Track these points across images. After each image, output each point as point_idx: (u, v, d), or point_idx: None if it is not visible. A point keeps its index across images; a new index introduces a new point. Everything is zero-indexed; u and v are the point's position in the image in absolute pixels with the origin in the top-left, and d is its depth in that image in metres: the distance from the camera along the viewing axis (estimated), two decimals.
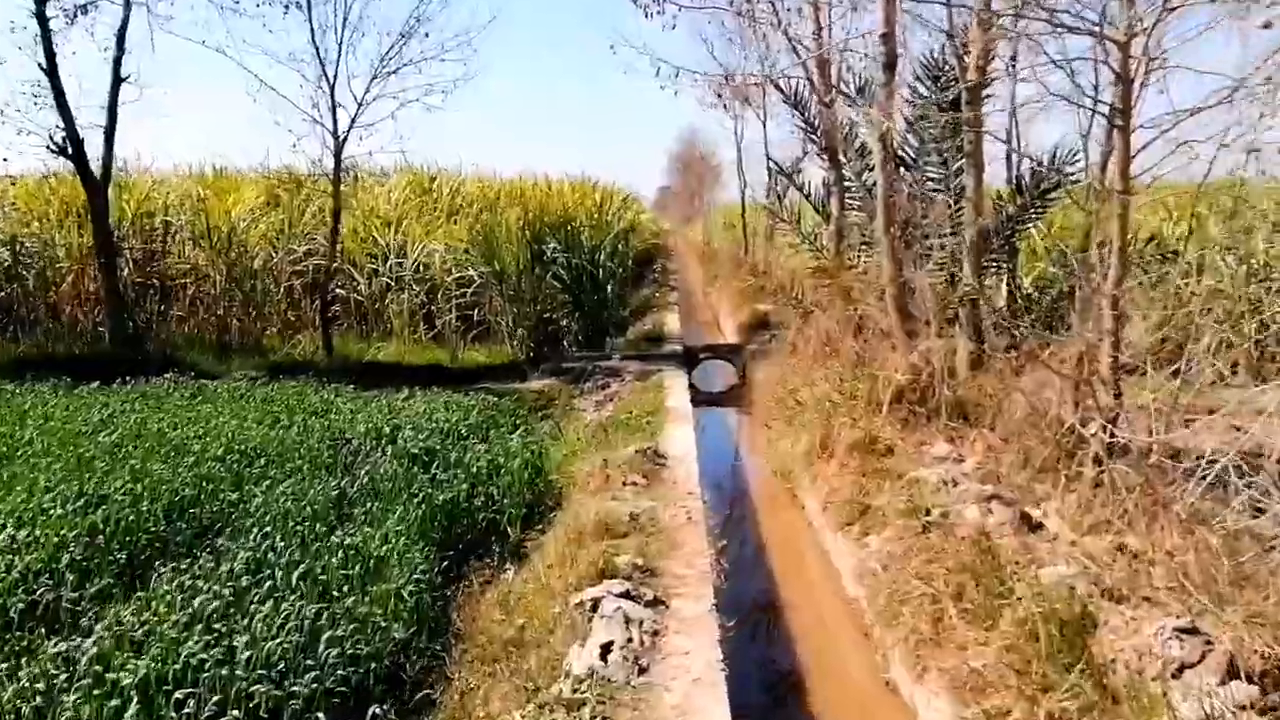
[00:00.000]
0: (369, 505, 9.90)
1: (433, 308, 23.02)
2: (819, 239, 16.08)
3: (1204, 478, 7.55)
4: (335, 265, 22.16)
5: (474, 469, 10.96)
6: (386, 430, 12.16)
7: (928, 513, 8.61)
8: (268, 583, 7.64)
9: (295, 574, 7.79)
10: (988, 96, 12.48)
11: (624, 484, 10.58)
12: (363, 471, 10.75)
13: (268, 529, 8.93)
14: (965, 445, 10.62)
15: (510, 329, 21.27)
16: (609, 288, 22.24)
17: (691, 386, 18.87)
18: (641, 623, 7.28)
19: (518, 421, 14.17)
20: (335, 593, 7.80)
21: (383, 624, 7.47)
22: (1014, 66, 13.16)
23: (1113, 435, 8.09)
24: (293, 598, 7.39)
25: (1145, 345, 11.60)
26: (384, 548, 8.70)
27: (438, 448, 11.52)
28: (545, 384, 17.86)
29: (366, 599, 7.77)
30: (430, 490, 10.25)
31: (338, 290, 23.52)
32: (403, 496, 10.13)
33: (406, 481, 10.52)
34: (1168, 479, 7.88)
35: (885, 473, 10.17)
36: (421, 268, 23.18)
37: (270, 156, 25.34)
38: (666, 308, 27.58)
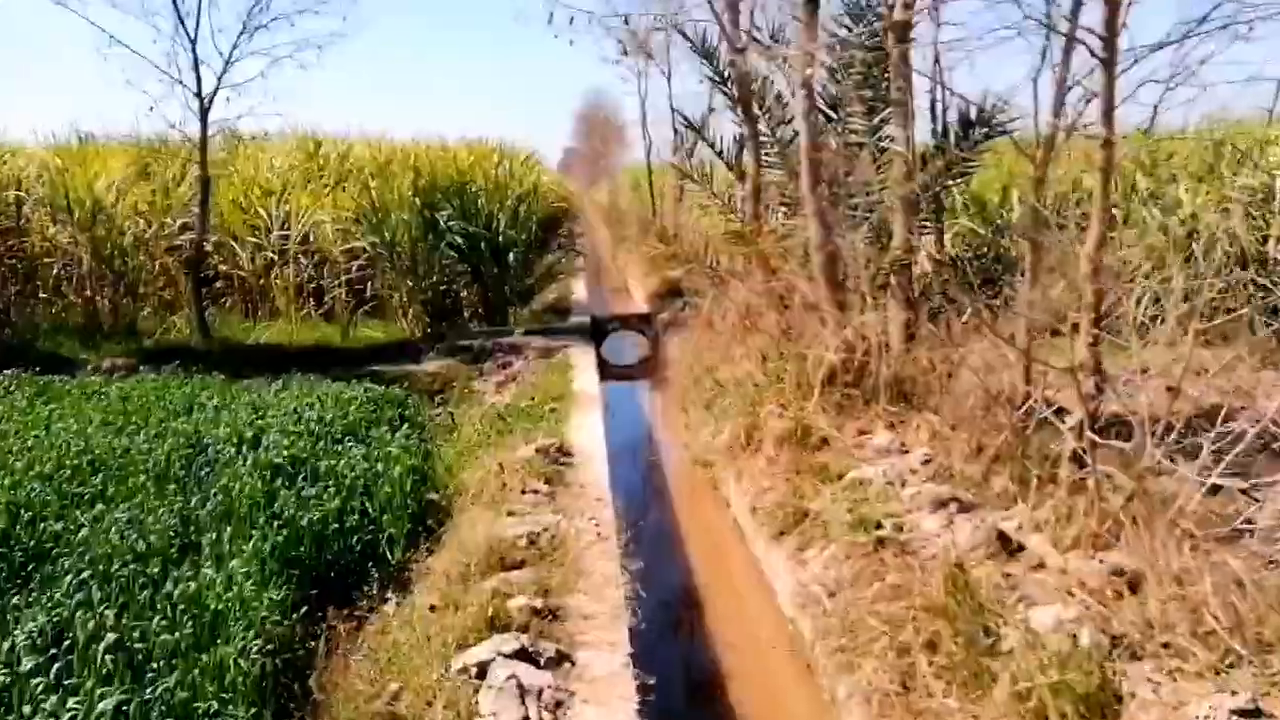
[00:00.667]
0: (220, 532, 8.12)
1: (322, 283, 20.99)
2: (734, 200, 14.48)
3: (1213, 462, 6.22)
4: (207, 239, 20.01)
5: (348, 479, 9.19)
6: (249, 434, 10.30)
7: (879, 525, 7.13)
8: (62, 661, 5.85)
9: (102, 645, 6.00)
10: (912, 40, 10.94)
11: (523, 492, 8.92)
12: (214, 489, 8.92)
13: (86, 574, 7.11)
14: (908, 432, 9.18)
15: (404, 304, 19.35)
16: (510, 255, 20.40)
17: (601, 360, 17.30)
18: (540, 692, 5.67)
19: (405, 413, 12.37)
20: (155, 666, 6.04)
21: (215, 707, 5.75)
22: (936, 10, 11.65)
23: (1097, 428, 6.66)
24: (90, 684, 5.61)
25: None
26: (228, 594, 6.96)
27: (307, 454, 9.70)
28: (441, 365, 16.07)
29: (196, 672, 6.03)
30: (295, 510, 8.48)
31: (220, 266, 21.39)
32: (261, 519, 8.37)
33: (267, 499, 8.73)
34: (1160, 473, 6.50)
35: (822, 470, 8.68)
36: (312, 239, 21.11)
37: (141, 123, 22.70)
38: (573, 275, 25.83)
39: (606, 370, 16.93)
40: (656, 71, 28.20)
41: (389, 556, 8.47)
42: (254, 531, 8.09)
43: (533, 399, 12.43)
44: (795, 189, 12.14)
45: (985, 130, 12.05)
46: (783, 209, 12.90)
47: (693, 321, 16.10)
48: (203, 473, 9.56)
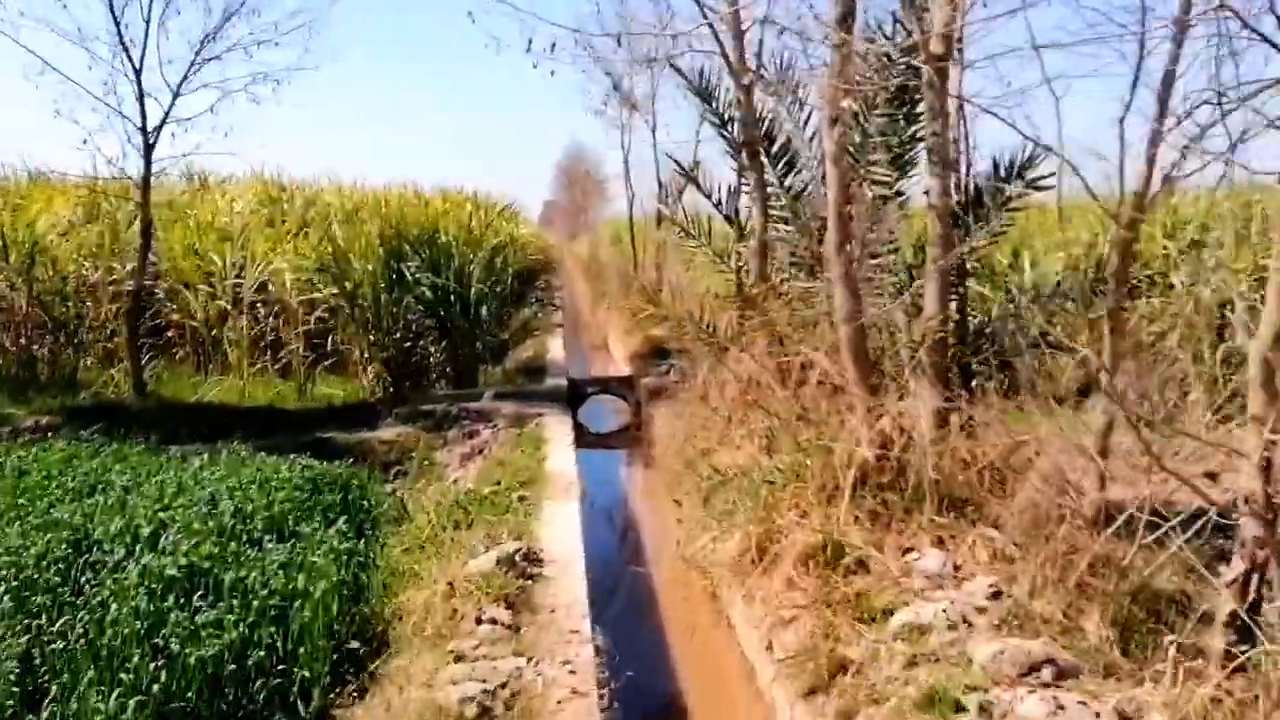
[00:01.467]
0: (79, 675, 6.00)
1: (280, 335, 18.81)
2: (734, 258, 12.43)
3: None
4: (155, 287, 17.98)
5: (259, 598, 7.02)
6: (147, 530, 8.10)
7: (959, 706, 5.06)
8: None
9: None
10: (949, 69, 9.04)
11: (479, 621, 6.79)
12: (84, 612, 6.77)
13: None
14: (961, 549, 7.14)
15: (365, 360, 17.21)
16: (483, 310, 18.33)
17: (577, 425, 15.23)
18: None
19: (350, 496, 10.19)
20: None
21: None
22: (960, 51, 9.80)
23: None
24: None
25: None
26: None
27: (213, 561, 7.51)
28: (400, 431, 13.93)
29: None
30: (185, 642, 6.35)
31: (172, 315, 19.28)
32: (137, 655, 6.24)
33: (152, 625, 6.59)
34: None
35: (859, 601, 6.61)
36: (270, 288, 18.99)
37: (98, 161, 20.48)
38: (550, 331, 23.74)
39: (584, 436, 14.89)
40: (641, 123, 26.39)
41: (302, 707, 6.34)
42: (125, 675, 6.00)
43: (498, 482, 10.33)
44: (808, 246, 10.22)
45: (1023, 183, 10.29)
46: (793, 269, 10.92)
47: (680, 390, 14.08)
48: (83, 580, 7.42)
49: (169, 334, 19.41)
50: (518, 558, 7.77)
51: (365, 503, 10.26)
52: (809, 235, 10.16)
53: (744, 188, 11.97)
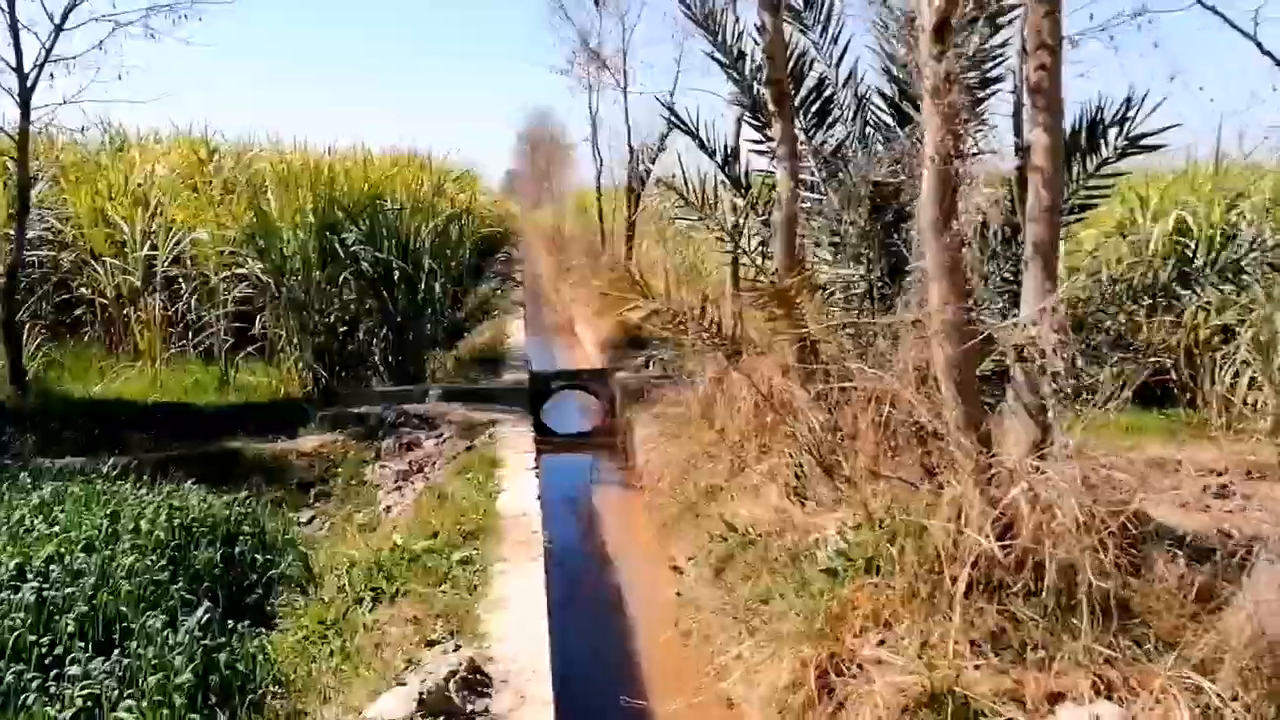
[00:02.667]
0: None
1: (202, 314, 15.71)
2: (739, 233, 9.33)
3: None
4: (50, 259, 14.96)
5: None
6: None
7: None
8: None
9: None
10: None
11: None
12: None
13: None
14: (1141, 696, 4.38)
15: (294, 347, 14.13)
16: (435, 288, 15.32)
17: (541, 427, 12.43)
18: None
19: (238, 550, 7.20)
20: None
21: None
22: None
23: None
24: None
25: None
26: None
27: None
28: (324, 441, 10.96)
29: None
30: None
31: (80, 290, 16.27)
32: None
33: None
34: None
35: None
36: (190, 262, 15.93)
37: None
38: (509, 311, 20.62)
39: (548, 440, 12.04)
40: (611, 84, 23.25)
41: None
42: None
43: (435, 534, 7.40)
44: (852, 218, 7.37)
45: (1125, 141, 7.59)
46: (833, 250, 7.92)
47: (665, 391, 11.21)
48: None
49: (77, 312, 16.38)
50: (452, 687, 4.89)
51: (258, 558, 7.31)
52: (856, 206, 7.30)
53: (747, 144, 9.03)
